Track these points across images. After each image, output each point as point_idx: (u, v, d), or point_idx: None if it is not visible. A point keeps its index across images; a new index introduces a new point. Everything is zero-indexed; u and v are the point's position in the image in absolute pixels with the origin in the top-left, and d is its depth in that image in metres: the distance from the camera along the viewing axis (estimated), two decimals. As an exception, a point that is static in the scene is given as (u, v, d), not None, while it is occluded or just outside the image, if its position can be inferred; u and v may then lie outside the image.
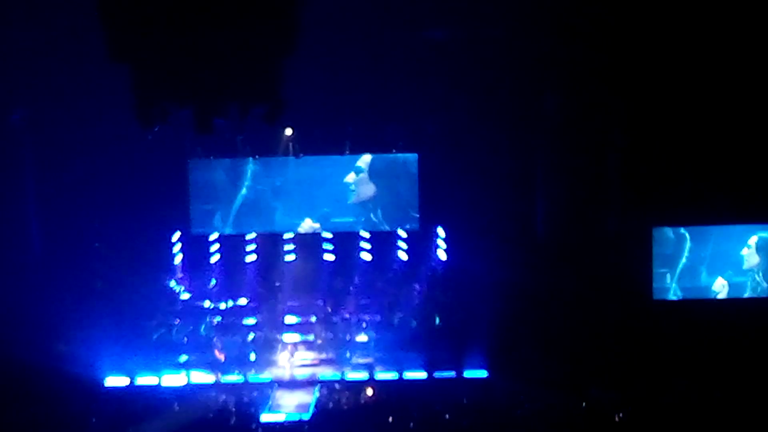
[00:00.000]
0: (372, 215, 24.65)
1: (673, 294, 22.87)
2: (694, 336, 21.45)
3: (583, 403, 19.19)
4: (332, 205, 24.61)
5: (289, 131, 23.68)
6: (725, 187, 21.84)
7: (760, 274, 22.88)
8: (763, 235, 22.88)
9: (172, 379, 22.06)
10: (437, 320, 23.60)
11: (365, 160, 24.29)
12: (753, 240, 22.83)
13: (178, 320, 23.96)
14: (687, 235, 22.77)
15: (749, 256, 22.85)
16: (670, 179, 22.01)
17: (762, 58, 20.08)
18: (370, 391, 20.87)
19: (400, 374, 22.27)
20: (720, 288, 22.88)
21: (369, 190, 24.31)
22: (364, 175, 24.32)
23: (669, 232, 22.83)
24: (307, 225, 24.71)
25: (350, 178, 24.37)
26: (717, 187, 21.75)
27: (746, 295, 22.88)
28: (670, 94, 21.20)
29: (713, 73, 20.42)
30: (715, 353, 20.87)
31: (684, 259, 22.79)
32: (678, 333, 21.69)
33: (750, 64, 20.25)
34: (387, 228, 24.74)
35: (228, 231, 24.88)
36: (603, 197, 23.14)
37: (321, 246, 25.10)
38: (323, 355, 23.22)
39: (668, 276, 22.85)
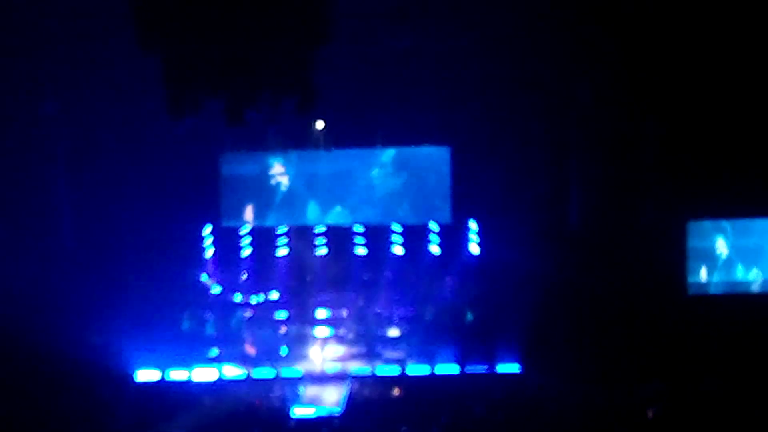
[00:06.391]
0: (401, 209, 24.56)
1: (709, 288, 22.56)
2: (729, 332, 21.17)
3: (617, 399, 19.02)
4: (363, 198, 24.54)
5: (320, 124, 23.57)
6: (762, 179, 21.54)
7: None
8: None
9: (203, 373, 22.01)
10: (469, 315, 23.42)
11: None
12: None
13: (210, 314, 23.92)
14: (724, 228, 22.44)
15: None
16: (707, 171, 21.69)
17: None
18: (397, 391, 20.81)
19: (432, 369, 22.13)
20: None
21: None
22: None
23: (705, 225, 22.52)
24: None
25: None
26: (755, 178, 21.44)
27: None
28: (705, 81, 20.89)
29: (752, 58, 20.07)
30: (751, 349, 20.60)
31: (720, 253, 22.49)
32: (713, 328, 21.40)
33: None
34: (418, 222, 24.60)
35: (259, 224, 24.82)
36: (638, 190, 22.86)
37: (353, 239, 24.97)
38: (355, 350, 23.11)
39: (704, 270, 22.54)
